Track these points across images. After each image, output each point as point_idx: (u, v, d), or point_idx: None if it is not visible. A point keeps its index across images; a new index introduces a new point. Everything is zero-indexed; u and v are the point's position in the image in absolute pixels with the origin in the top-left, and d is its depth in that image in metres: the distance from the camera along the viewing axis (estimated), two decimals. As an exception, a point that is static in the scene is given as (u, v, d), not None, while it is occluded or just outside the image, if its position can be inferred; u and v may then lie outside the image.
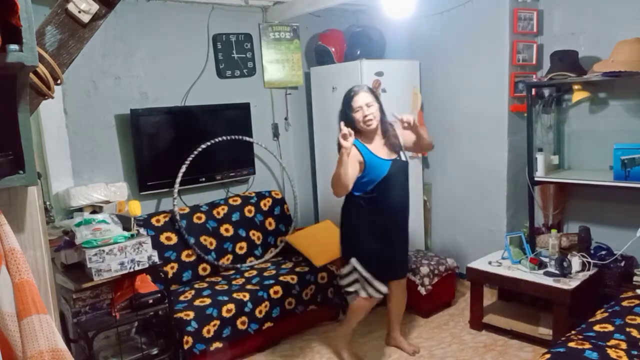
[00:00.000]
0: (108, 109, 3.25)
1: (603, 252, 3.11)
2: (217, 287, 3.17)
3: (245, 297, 3.06)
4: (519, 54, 3.50)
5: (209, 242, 3.44)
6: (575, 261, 3.00)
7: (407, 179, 2.84)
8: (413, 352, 3.05)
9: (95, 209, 2.88)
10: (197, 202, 3.60)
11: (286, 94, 4.15)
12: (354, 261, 2.77)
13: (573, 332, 2.34)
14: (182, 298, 3.02)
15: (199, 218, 3.46)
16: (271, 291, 3.18)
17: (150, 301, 2.55)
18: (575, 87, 3.21)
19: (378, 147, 2.71)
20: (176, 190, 3.37)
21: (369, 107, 2.64)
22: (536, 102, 3.42)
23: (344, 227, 2.88)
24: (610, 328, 2.30)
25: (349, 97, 2.69)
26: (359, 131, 2.67)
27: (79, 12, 1.25)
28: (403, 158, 2.78)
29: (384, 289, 2.80)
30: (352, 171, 2.58)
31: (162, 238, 3.24)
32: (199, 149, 3.47)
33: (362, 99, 2.64)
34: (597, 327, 2.33)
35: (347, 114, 2.69)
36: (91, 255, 2.38)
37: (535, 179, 3.31)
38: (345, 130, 2.43)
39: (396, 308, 3.06)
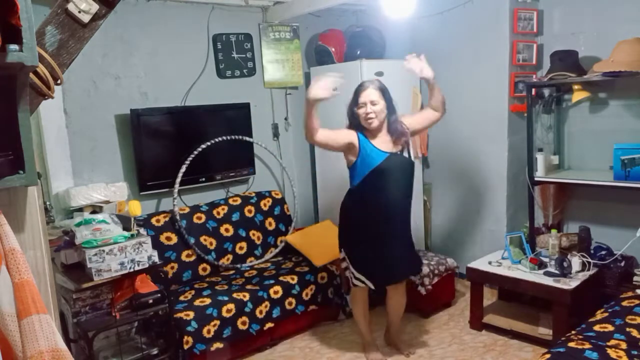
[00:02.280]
0: (108, 109, 3.25)
1: (603, 252, 3.11)
2: (217, 287, 3.17)
3: (245, 297, 3.06)
4: (519, 54, 3.50)
5: (209, 242, 3.44)
6: (575, 261, 3.00)
7: (408, 179, 2.77)
8: (407, 354, 3.03)
9: (95, 209, 2.87)
10: (197, 202, 3.60)
11: (286, 94, 4.15)
12: (343, 252, 2.89)
13: (573, 332, 2.34)
14: (182, 298, 3.02)
15: (199, 218, 3.46)
16: (271, 291, 3.18)
17: (150, 301, 2.55)
18: (575, 87, 3.21)
19: (379, 139, 2.71)
20: (176, 190, 3.37)
21: (373, 105, 2.64)
22: (536, 102, 3.42)
23: (340, 217, 2.93)
24: (610, 328, 2.30)
25: (356, 91, 2.71)
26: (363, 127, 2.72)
27: (79, 12, 1.25)
28: (405, 154, 2.73)
29: (369, 283, 2.81)
30: (336, 141, 2.68)
31: (162, 238, 3.24)
32: (199, 149, 3.47)
33: (368, 96, 2.65)
34: (597, 327, 2.33)
35: (352, 108, 2.72)
36: (91, 255, 2.38)
37: (535, 179, 3.31)
38: (327, 84, 2.48)
39: (393, 311, 3.04)
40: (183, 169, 3.40)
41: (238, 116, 3.76)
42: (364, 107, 2.65)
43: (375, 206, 2.71)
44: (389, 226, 2.74)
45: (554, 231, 3.35)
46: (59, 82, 1.26)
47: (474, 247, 3.84)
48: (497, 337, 3.18)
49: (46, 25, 1.25)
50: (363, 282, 2.82)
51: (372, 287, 2.82)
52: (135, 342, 2.66)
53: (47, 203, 2.96)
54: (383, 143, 2.70)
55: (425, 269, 3.42)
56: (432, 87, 2.73)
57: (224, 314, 2.93)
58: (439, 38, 3.90)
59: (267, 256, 3.71)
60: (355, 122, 2.73)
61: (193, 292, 3.11)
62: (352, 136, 2.70)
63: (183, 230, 3.31)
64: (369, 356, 3.01)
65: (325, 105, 4.02)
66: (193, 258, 3.35)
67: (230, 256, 3.53)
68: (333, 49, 3.94)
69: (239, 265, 3.55)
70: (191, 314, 2.83)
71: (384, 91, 2.68)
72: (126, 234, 2.52)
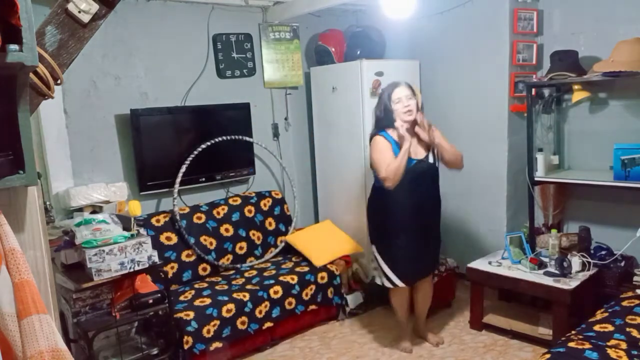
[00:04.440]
0: (108, 109, 3.25)
1: (603, 252, 3.11)
2: (217, 287, 3.17)
3: (245, 297, 3.06)
4: (519, 54, 3.50)
5: (209, 242, 3.44)
6: (575, 261, 3.00)
7: (432, 183, 2.91)
8: (437, 343, 3.13)
9: (95, 209, 2.87)
10: (197, 202, 3.59)
11: (286, 94, 4.15)
12: (373, 249, 2.97)
13: (573, 332, 2.34)
14: (182, 298, 3.02)
15: (199, 218, 3.46)
16: (271, 291, 3.18)
17: (150, 301, 2.55)
18: (575, 87, 3.21)
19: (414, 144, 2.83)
20: (176, 190, 3.37)
21: (409, 99, 2.78)
22: (536, 102, 3.42)
23: (368, 213, 3.03)
24: (610, 328, 2.30)
25: (389, 90, 2.83)
26: (393, 126, 2.80)
27: (79, 12, 1.25)
28: (430, 160, 2.86)
29: (399, 283, 2.93)
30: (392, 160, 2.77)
31: (162, 238, 3.24)
32: (199, 149, 3.47)
33: (403, 92, 2.79)
34: (597, 327, 2.33)
35: (387, 105, 2.81)
36: (91, 255, 2.38)
37: (535, 179, 3.31)
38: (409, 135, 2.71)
39: (421, 302, 3.14)
40: (183, 169, 3.40)
41: (238, 116, 3.76)
42: (399, 102, 2.77)
43: (404, 205, 2.83)
44: (420, 224, 2.86)
45: (554, 231, 3.35)
46: (59, 82, 1.26)
47: (474, 247, 3.84)
48: (497, 337, 3.18)
49: (46, 25, 1.25)
50: (392, 281, 2.93)
51: (402, 285, 2.94)
52: (135, 342, 2.66)
53: (47, 203, 2.96)
54: (412, 147, 2.81)
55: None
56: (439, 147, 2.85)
57: (224, 314, 2.93)
58: (438, 38, 3.90)
59: (267, 256, 3.71)
60: (386, 121, 2.82)
61: (193, 292, 3.11)
62: (389, 145, 2.81)
63: (183, 230, 3.31)
64: (400, 345, 3.10)
65: (329, 106, 4.03)
66: (193, 258, 3.35)
67: (230, 256, 3.53)
68: (333, 49, 3.94)
69: (239, 265, 3.54)
70: (191, 314, 2.83)
71: (413, 90, 2.85)
72: (126, 234, 2.52)
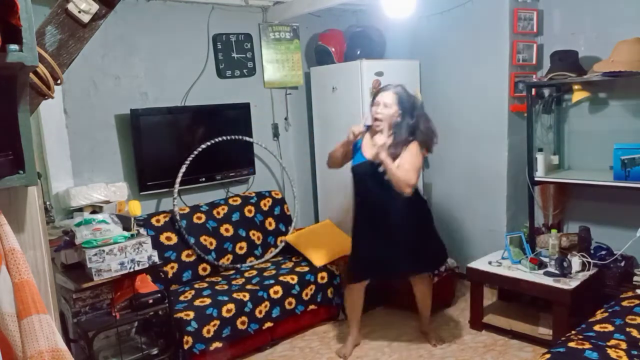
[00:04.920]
0: (108, 109, 3.24)
1: (603, 252, 3.11)
2: (217, 287, 3.17)
3: (245, 297, 3.06)
4: (519, 54, 3.50)
5: (209, 242, 3.44)
6: (575, 261, 3.00)
7: (384, 187, 2.70)
8: (434, 344, 3.13)
9: (95, 209, 2.87)
10: (197, 202, 3.59)
11: (286, 94, 4.15)
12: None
13: (573, 332, 2.34)
14: (182, 298, 3.02)
15: (199, 218, 3.46)
16: (271, 291, 3.18)
17: (150, 301, 2.55)
18: (575, 87, 3.21)
19: (370, 141, 2.82)
20: (176, 190, 3.37)
21: (385, 108, 2.72)
22: (536, 102, 3.42)
23: None
24: (610, 328, 2.30)
25: (378, 91, 2.85)
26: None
27: (79, 12, 1.25)
28: (381, 169, 2.69)
29: (350, 275, 3.02)
30: (345, 151, 2.85)
31: (162, 238, 3.24)
32: (199, 149, 3.47)
33: (383, 97, 2.75)
34: (597, 327, 2.32)
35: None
36: (91, 255, 2.38)
37: (535, 179, 3.31)
38: (358, 130, 2.74)
39: (419, 301, 3.16)
40: (183, 169, 3.40)
41: (238, 116, 3.76)
42: (376, 105, 2.76)
43: (361, 201, 2.89)
44: (378, 222, 2.84)
45: (554, 231, 3.35)
46: (59, 82, 1.26)
47: (474, 247, 3.84)
48: (497, 337, 3.18)
49: (46, 25, 1.25)
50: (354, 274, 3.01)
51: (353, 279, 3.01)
52: (135, 342, 2.66)
53: (47, 203, 2.96)
54: (370, 147, 2.80)
55: (425, 269, 3.42)
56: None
57: (224, 314, 2.93)
58: (438, 38, 3.90)
59: (267, 256, 3.71)
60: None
61: (193, 292, 3.11)
62: (346, 142, 2.84)
63: (183, 230, 3.31)
64: (338, 348, 3.13)
65: (329, 106, 4.03)
66: (193, 258, 3.35)
67: (230, 256, 3.53)
68: (333, 49, 3.94)
69: (239, 265, 3.54)
70: (191, 314, 2.83)
71: (401, 98, 2.75)
72: (126, 234, 2.52)
